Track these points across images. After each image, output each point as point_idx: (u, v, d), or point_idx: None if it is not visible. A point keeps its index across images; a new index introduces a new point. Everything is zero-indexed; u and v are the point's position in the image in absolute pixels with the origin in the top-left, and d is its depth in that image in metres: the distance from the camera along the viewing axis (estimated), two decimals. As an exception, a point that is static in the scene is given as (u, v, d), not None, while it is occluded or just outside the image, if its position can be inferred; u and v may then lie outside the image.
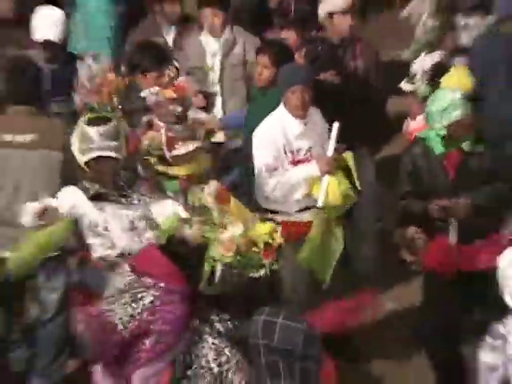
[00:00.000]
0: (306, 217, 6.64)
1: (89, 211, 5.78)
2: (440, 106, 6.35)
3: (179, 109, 6.64)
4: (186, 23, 8.83)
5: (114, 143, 5.77)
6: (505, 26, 7.95)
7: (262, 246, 4.88)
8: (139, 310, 5.01)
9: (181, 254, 5.05)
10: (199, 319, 5.02)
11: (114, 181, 5.71)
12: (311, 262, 6.69)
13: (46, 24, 8.07)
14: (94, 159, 5.71)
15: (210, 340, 4.92)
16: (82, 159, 5.77)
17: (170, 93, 6.61)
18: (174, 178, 6.53)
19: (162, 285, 5.05)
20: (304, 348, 4.50)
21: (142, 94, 6.88)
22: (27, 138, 6.66)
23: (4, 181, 6.67)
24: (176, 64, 7.26)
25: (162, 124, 6.60)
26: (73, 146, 5.88)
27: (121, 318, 5.00)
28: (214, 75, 8.19)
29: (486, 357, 5.07)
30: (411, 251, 6.68)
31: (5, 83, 6.98)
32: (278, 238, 4.97)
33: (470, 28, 8.99)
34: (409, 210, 6.60)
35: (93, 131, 5.76)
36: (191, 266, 5.03)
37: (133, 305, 5.03)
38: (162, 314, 5.09)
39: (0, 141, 6.68)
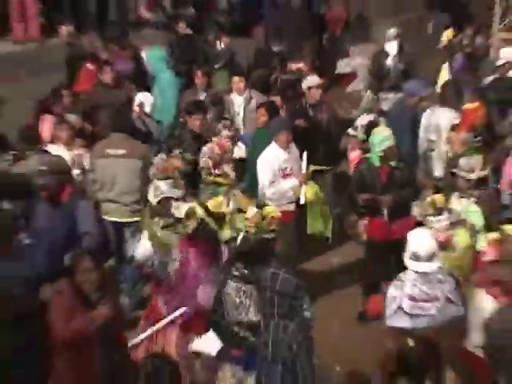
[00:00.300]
0: (291, 207, 6.93)
1: None
2: (379, 138, 6.76)
3: (219, 158, 6.99)
4: (211, 89, 9.26)
5: (174, 190, 6.11)
6: (408, 100, 8.40)
7: (270, 217, 5.31)
8: (175, 268, 5.63)
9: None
10: (224, 271, 5.43)
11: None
12: (316, 229, 7.04)
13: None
14: (162, 200, 6.06)
15: (231, 282, 5.23)
16: (154, 200, 6.10)
17: (216, 149, 7.06)
18: (222, 185, 6.88)
19: (181, 253, 5.63)
20: (294, 292, 4.92)
21: (202, 152, 7.20)
22: (120, 151, 7.04)
23: (106, 177, 7.05)
24: (227, 133, 7.34)
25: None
26: (149, 195, 6.18)
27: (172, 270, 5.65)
28: (239, 118, 8.55)
29: (391, 291, 5.31)
30: (353, 231, 7.11)
31: (111, 121, 7.54)
32: (277, 213, 5.40)
33: (389, 100, 9.27)
34: (354, 201, 6.89)
35: (162, 183, 6.15)
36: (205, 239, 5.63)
37: (172, 264, 5.67)
38: (187, 266, 5.61)
39: (105, 153, 7.07)
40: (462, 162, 6.41)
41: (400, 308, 5.21)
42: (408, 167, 7.14)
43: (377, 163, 6.82)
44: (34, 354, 4.77)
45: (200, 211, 5.77)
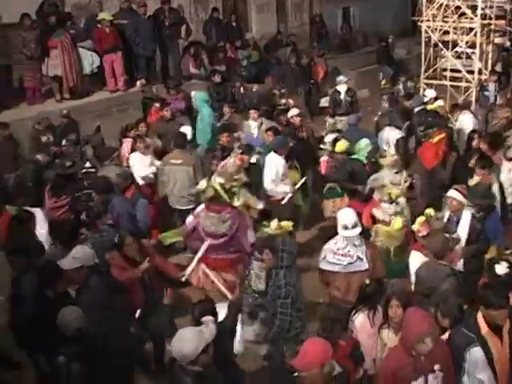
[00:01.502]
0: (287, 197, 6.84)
1: None
2: (363, 144, 7.00)
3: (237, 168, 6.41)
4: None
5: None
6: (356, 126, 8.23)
7: (284, 229, 5.22)
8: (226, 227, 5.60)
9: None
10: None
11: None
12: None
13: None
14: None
15: (254, 261, 5.16)
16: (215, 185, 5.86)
17: (238, 161, 6.44)
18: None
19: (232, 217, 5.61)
20: (295, 252, 4.87)
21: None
22: (179, 161, 6.93)
23: (170, 180, 7.01)
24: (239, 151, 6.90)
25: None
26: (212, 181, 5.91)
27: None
28: (255, 134, 8.25)
29: (324, 246, 5.24)
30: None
31: (173, 141, 7.33)
32: (290, 227, 5.27)
33: (342, 122, 9.10)
34: (344, 186, 6.76)
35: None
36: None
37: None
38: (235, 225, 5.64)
39: (170, 162, 7.00)
40: (397, 177, 6.22)
41: (325, 257, 5.12)
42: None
43: (364, 161, 6.93)
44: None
45: (217, 186, 5.72)
